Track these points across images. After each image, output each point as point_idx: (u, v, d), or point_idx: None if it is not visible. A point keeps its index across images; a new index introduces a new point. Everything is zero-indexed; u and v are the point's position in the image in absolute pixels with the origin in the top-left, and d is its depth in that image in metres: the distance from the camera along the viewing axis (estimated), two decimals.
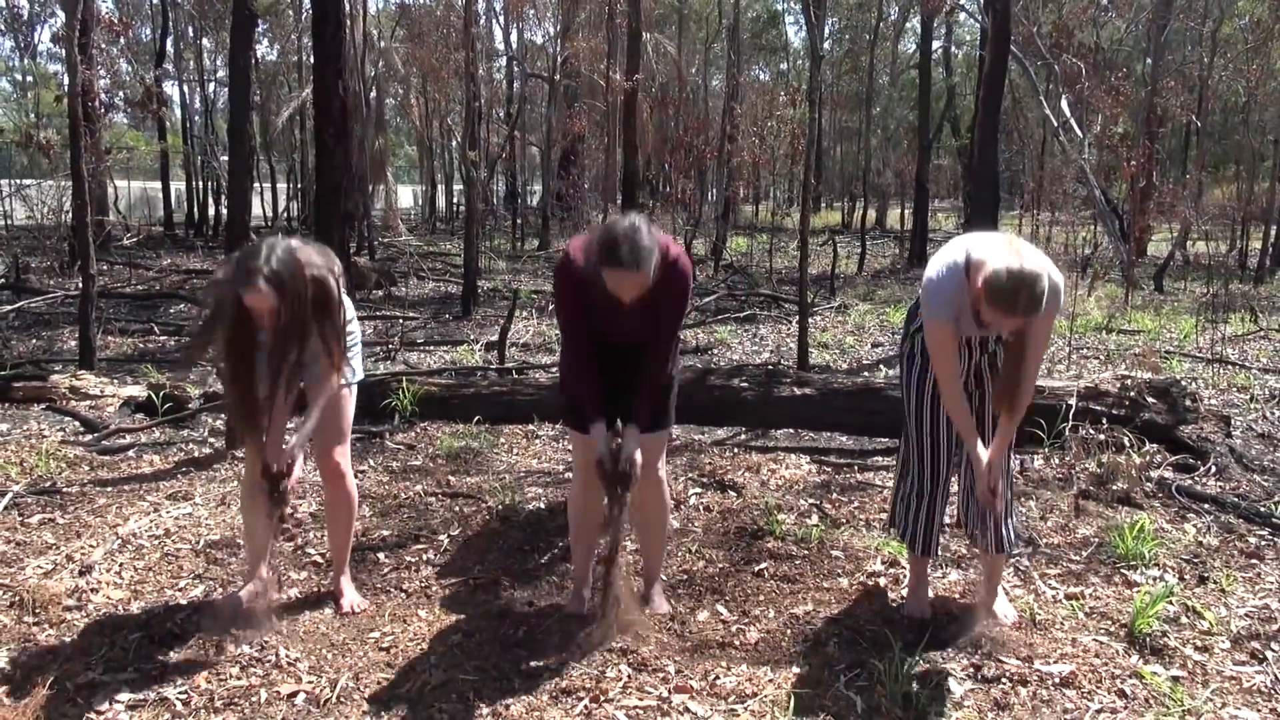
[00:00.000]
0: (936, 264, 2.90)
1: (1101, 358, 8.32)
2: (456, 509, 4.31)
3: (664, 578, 3.46)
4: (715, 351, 8.74)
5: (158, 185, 25.18)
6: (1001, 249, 2.71)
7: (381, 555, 3.77)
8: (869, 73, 22.33)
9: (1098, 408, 5.23)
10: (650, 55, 21.73)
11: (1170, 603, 3.27)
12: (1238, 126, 26.92)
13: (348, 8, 11.19)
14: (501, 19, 19.21)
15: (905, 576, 3.52)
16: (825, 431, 5.69)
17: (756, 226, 24.68)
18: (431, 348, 8.87)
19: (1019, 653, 2.95)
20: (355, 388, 3.30)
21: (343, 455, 3.25)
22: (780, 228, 21.22)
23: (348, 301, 3.18)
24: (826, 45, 24.36)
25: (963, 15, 25.69)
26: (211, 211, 23.81)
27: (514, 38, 25.01)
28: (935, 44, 22.85)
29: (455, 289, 12.86)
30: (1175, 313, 11.60)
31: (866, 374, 7.51)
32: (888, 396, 5.50)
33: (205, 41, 24.82)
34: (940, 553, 3.47)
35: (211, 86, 26.19)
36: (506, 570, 3.64)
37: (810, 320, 8.13)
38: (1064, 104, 15.68)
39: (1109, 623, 3.19)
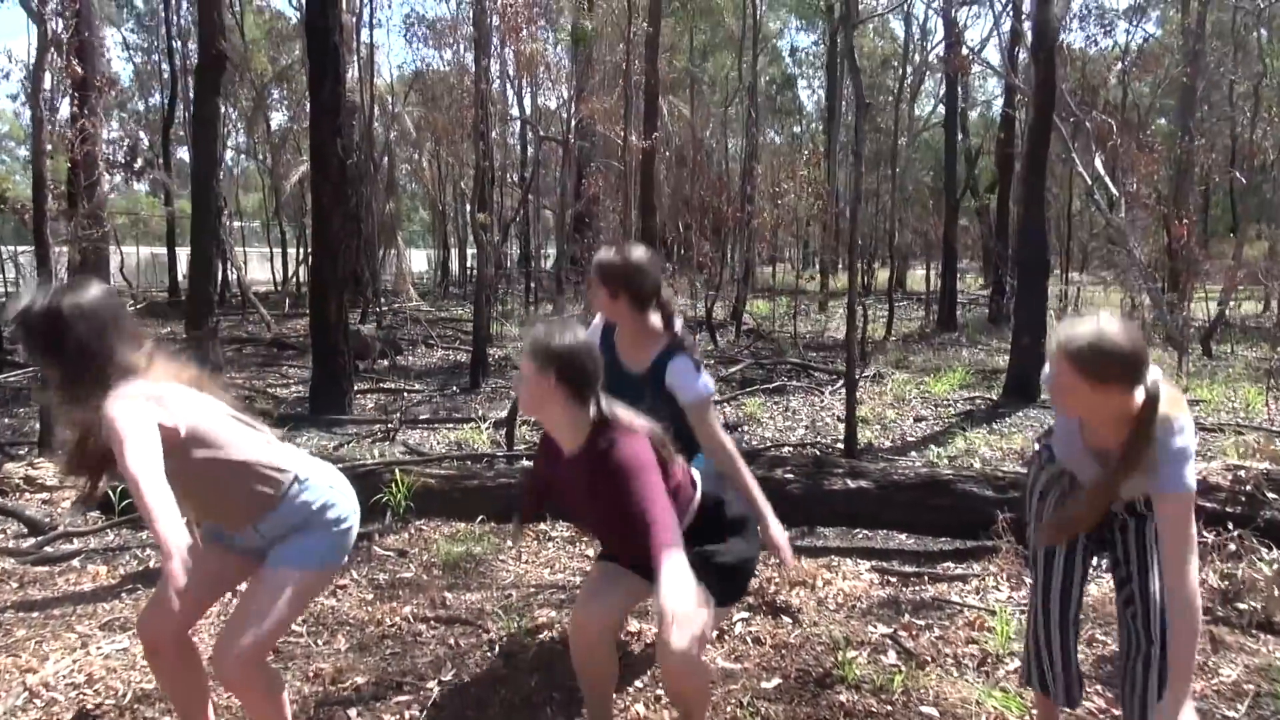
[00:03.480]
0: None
1: None
2: (451, 641, 3.54)
3: None
4: (745, 428, 7.98)
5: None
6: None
7: (353, 712, 3.00)
8: (894, 132, 21.83)
9: (1208, 504, 4.43)
10: (666, 118, 21.34)
11: None
12: (1260, 185, 26.31)
13: (349, 68, 10.69)
14: (515, 83, 18.89)
15: None
16: (883, 529, 4.92)
17: (775, 289, 24.01)
18: (436, 425, 8.15)
19: None
20: (308, 576, 2.33)
21: (243, 660, 2.23)
22: (801, 290, 20.57)
23: (323, 469, 2.44)
24: (842, 106, 23.90)
25: (986, 76, 25.33)
26: (220, 279, 23.31)
27: (527, 101, 24.74)
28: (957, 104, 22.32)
29: (464, 357, 12.17)
30: (1230, 380, 10.81)
31: (916, 454, 6.75)
32: (957, 490, 4.73)
33: None
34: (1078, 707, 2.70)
35: (230, 154, 25.99)
36: None
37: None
38: (1098, 162, 15.03)
39: None
